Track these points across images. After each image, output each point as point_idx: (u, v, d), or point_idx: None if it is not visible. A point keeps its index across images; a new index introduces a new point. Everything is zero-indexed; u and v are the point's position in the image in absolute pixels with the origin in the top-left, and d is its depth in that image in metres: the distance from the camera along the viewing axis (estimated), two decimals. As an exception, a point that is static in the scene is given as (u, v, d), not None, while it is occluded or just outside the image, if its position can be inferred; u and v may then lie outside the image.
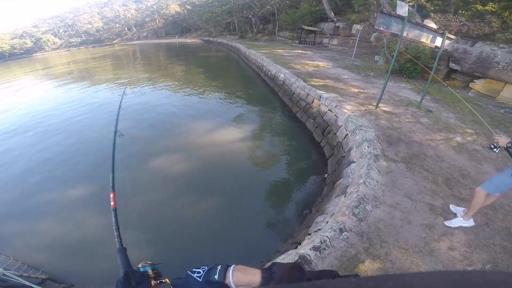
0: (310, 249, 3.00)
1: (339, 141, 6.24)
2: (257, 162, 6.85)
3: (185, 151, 7.47)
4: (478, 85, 8.79)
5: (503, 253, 2.95)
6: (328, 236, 3.13)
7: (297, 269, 0.67)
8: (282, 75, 11.42)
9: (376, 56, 13.76)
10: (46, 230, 5.11)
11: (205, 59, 25.17)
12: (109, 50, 38.29)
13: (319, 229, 3.54)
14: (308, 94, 8.67)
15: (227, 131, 8.67)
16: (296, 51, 17.88)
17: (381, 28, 5.72)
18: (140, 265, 0.75)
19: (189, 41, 44.18)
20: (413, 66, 10.07)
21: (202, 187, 5.93)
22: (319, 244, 3.04)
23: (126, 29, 70.37)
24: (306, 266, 2.95)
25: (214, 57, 27.29)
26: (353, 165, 4.84)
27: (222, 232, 4.71)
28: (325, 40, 22.51)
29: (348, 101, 7.30)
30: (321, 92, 8.00)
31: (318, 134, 7.46)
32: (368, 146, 4.86)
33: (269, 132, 8.58)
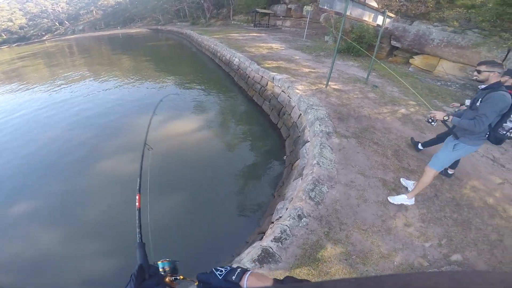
0: (272, 240, 2.84)
1: (294, 122, 6.10)
2: (218, 151, 6.47)
3: (137, 148, 6.63)
4: (417, 60, 9.33)
5: (455, 226, 3.04)
6: (288, 225, 2.98)
7: (306, 286, 0.66)
8: (236, 59, 10.93)
9: (326, 36, 13.90)
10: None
11: (154, 48, 23.31)
12: (38, 47, 33.21)
13: (280, 217, 3.37)
14: (262, 76, 8.38)
15: (183, 121, 8.04)
16: (251, 34, 17.35)
17: (325, 7, 5.57)
18: (160, 261, 0.78)
19: (134, 31, 40.41)
20: (359, 45, 10.29)
21: (160, 184, 5.32)
22: (279, 234, 2.89)
23: (57, 23, 60.85)
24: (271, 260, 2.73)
25: (164, 45, 25.41)
26: (307, 144, 4.72)
27: (189, 228, 4.36)
28: (279, 22, 22.25)
29: (300, 81, 7.17)
30: (274, 73, 7.77)
31: (275, 116, 7.28)
32: (320, 125, 4.76)
33: (227, 118, 8.21)
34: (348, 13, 5.51)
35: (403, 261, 2.65)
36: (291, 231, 2.92)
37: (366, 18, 6.59)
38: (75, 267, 3.98)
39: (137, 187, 1.08)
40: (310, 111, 5.35)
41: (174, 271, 0.80)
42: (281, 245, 2.79)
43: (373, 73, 8.16)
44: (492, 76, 2.30)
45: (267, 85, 8.02)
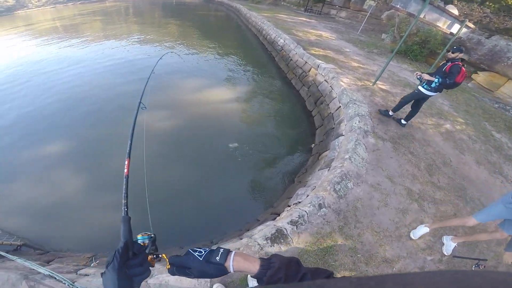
0: (288, 223, 2.98)
1: (330, 113, 6.10)
2: (246, 125, 6.69)
3: (174, 108, 7.11)
4: (481, 77, 8.70)
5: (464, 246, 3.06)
6: (307, 211, 3.11)
7: (295, 263, 0.70)
8: (281, 40, 10.85)
9: (383, 34, 13.22)
10: (25, 193, 4.76)
11: (202, 17, 23.58)
12: (99, 6, 35.19)
13: (299, 202, 3.52)
14: (306, 62, 8.31)
15: (219, 91, 8.36)
16: (300, 18, 16.92)
17: (398, 6, 5.38)
18: (139, 235, 0.74)
19: (187, -1, 41.04)
20: (419, 49, 9.79)
21: (188, 147, 5.73)
22: (297, 218, 3.02)
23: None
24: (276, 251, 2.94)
25: (212, 16, 25.60)
26: (341, 138, 4.76)
27: (204, 197, 4.60)
28: (333, 12, 21.32)
29: (346, 74, 7.04)
30: (320, 61, 7.67)
31: (311, 103, 7.29)
32: (359, 121, 4.75)
33: (261, 95, 8.32)
34: (421, 16, 5.28)
35: (402, 268, 2.78)
36: (308, 217, 3.07)
37: (440, 24, 6.28)
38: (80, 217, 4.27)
39: (127, 151, 0.99)
40: (351, 106, 5.32)
41: (153, 246, 0.75)
42: (295, 229, 2.93)
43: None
44: None
45: (309, 71, 7.96)
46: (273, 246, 2.70)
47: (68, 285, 2.15)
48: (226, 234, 3.99)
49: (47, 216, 4.32)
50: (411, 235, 3.09)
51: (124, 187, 0.86)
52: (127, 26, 19.93)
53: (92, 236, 4.00)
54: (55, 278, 2.21)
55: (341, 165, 3.75)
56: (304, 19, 16.74)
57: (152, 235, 0.77)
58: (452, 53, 3.93)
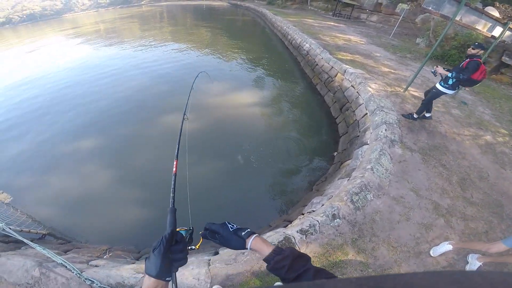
0: (297, 231, 2.90)
1: (356, 120, 5.88)
2: (269, 129, 6.73)
3: (201, 109, 7.44)
4: (531, 84, 7.90)
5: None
6: (319, 221, 3.00)
7: (304, 259, 0.77)
8: (307, 45, 10.74)
9: (418, 39, 12.56)
10: (57, 185, 5.22)
11: (230, 22, 24.35)
12: (136, 10, 38.51)
13: (313, 211, 3.41)
14: (332, 67, 8.13)
15: (243, 95, 8.56)
16: (328, 23, 16.65)
17: (430, 8, 5.10)
18: (178, 229, 0.82)
19: (217, 4, 42.77)
20: (458, 53, 9.15)
21: (213, 151, 5.90)
22: (307, 227, 2.93)
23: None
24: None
25: (239, 21, 26.23)
26: (365, 147, 4.56)
27: (222, 199, 4.68)
28: (363, 16, 20.70)
29: (375, 79, 6.76)
30: (347, 66, 7.46)
31: (336, 110, 7.10)
32: (385, 130, 4.52)
33: (285, 100, 8.33)
34: (457, 18, 4.94)
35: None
36: (319, 227, 2.94)
37: (479, 26, 5.84)
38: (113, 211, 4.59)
39: (175, 153, 1.12)
40: (378, 113, 5.09)
41: (190, 238, 0.85)
42: (304, 238, 2.82)
43: (467, 89, 7.22)
44: None
45: (335, 76, 7.77)
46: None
47: (76, 274, 2.31)
48: None
49: (73, 208, 4.69)
50: (431, 252, 2.85)
51: (172, 183, 0.97)
52: (161, 31, 21.35)
53: (111, 230, 4.26)
54: (66, 267, 2.36)
55: (361, 175, 3.58)
56: (332, 23, 16.46)
57: (191, 228, 0.87)
58: (473, 49, 3.82)
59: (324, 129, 6.84)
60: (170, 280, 0.72)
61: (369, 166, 3.67)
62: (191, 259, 2.71)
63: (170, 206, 0.86)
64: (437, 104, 5.94)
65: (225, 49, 13.93)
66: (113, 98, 8.52)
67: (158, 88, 9.08)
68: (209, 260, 2.64)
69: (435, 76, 4.47)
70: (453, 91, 4.35)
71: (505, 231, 3.13)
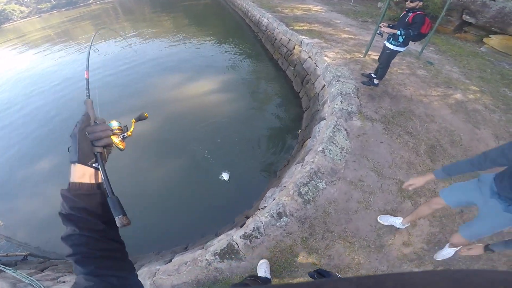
0: (241, 236, 2.49)
1: (316, 93, 5.30)
2: (232, 113, 6.13)
3: (157, 106, 6.88)
4: (494, 40, 7.57)
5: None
6: (263, 222, 2.53)
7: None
8: (265, 20, 9.92)
9: (379, 3, 12.04)
10: (31, 205, 5.00)
11: (191, 7, 22.93)
12: (85, 10, 35.82)
13: (265, 207, 2.89)
14: (289, 39, 7.41)
15: (204, 80, 7.92)
16: (289, -6, 15.77)
17: None
18: (111, 121, 0.75)
19: (173, -11, 40.83)
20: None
21: (170, 142, 5.45)
22: (251, 231, 2.49)
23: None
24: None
25: (200, 5, 24.79)
26: (322, 122, 3.97)
27: (183, 197, 4.28)
28: (327, -16, 19.99)
29: (333, 47, 6.13)
30: (303, 37, 6.77)
31: (297, 84, 6.48)
32: (341, 101, 3.92)
33: (247, 81, 7.65)
34: None
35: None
36: (264, 229, 2.48)
37: None
38: None
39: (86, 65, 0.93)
40: (335, 84, 4.47)
41: (122, 131, 0.75)
42: (249, 243, 2.41)
43: (431, 48, 6.77)
44: None
45: (294, 49, 7.08)
46: (223, 262, 2.37)
47: None
48: (192, 243, 3.51)
49: (51, 225, 4.33)
50: (379, 218, 2.54)
51: (86, 86, 0.84)
52: (120, 26, 19.68)
53: None
54: (33, 286, 2.65)
55: (312, 159, 2.99)
56: (293, -5, 15.59)
57: (123, 125, 0.78)
58: (411, 2, 3.62)
59: (289, 105, 6.22)
60: (98, 168, 0.63)
61: (320, 148, 3.07)
62: (143, 269, 2.67)
63: (85, 98, 0.75)
64: (401, 66, 5.43)
65: (186, 37, 12.90)
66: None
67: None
68: (157, 270, 2.55)
69: (382, 37, 4.16)
70: (405, 48, 4.01)
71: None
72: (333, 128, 3.33)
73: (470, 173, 1.67)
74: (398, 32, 3.76)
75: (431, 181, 2.09)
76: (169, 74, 8.69)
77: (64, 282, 2.92)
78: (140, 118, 0.86)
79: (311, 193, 2.68)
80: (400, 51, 4.10)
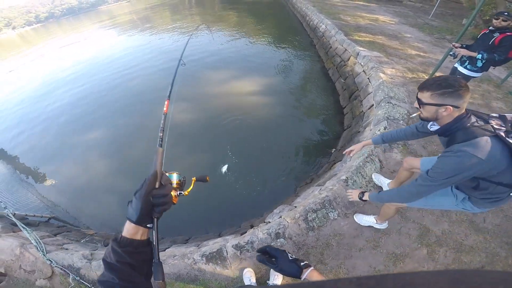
0: (233, 246, 2.44)
1: (362, 111, 4.81)
2: (269, 117, 6.06)
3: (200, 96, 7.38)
4: None
5: None
6: (258, 238, 2.43)
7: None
8: (323, 26, 9.48)
9: (464, 19, 10.59)
10: (68, 174, 5.55)
11: (255, 4, 23.67)
12: None
13: (269, 222, 2.76)
14: (345, 49, 6.92)
15: (249, 79, 8.05)
16: (356, 2, 14.86)
17: None
18: (170, 173, 0.76)
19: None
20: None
21: (207, 136, 5.70)
22: (244, 243, 2.43)
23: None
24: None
25: (263, 3, 25.42)
26: (358, 148, 3.51)
27: (211, 191, 4.29)
28: (403, -5, 18.44)
29: (394, 64, 5.50)
30: (361, 48, 6.23)
31: (344, 98, 6.00)
32: (385, 128, 3.43)
33: (294, 86, 7.42)
34: None
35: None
36: (258, 245, 2.39)
37: None
38: None
39: (168, 93, 1.07)
40: (384, 105, 3.96)
41: (181, 186, 0.78)
42: (238, 254, 2.41)
43: None
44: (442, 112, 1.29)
45: (348, 60, 6.57)
46: (208, 264, 2.41)
47: (41, 254, 2.78)
48: (194, 237, 3.66)
49: (80, 195, 4.97)
50: (354, 217, 2.46)
51: (162, 122, 0.90)
52: (191, 17, 21.93)
53: (106, 217, 4.48)
54: (37, 247, 2.85)
55: (331, 187, 2.65)
56: (361, 3, 14.66)
57: (183, 177, 0.80)
58: (503, 20, 3.02)
59: (330, 120, 5.79)
60: (151, 228, 0.66)
61: (344, 177, 2.72)
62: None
63: (157, 145, 0.79)
64: (473, 94, 4.60)
65: (245, 34, 13.31)
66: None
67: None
68: None
69: (454, 58, 3.53)
70: (482, 73, 3.45)
71: (509, 266, 2.24)
72: (366, 157, 2.89)
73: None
74: (479, 56, 3.17)
75: (367, 145, 2.09)
76: (218, 70, 8.95)
77: (66, 249, 3.11)
78: (201, 180, 0.88)
79: (318, 221, 2.45)
80: (475, 77, 3.50)
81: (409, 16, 11.44)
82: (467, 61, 3.38)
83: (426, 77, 4.96)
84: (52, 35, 33.10)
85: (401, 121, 3.56)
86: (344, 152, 2.04)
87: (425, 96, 1.28)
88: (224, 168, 4.57)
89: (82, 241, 3.70)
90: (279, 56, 9.70)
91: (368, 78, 5.21)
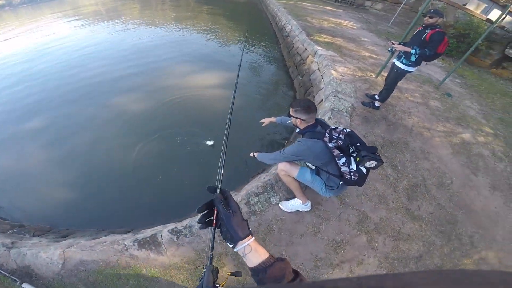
0: (169, 230, 2.39)
1: (314, 107, 5.08)
2: (225, 111, 5.86)
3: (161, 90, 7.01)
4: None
5: None
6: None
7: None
8: (289, 27, 9.86)
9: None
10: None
11: (230, 4, 23.63)
12: None
13: None
14: (305, 49, 7.27)
15: (210, 73, 7.97)
16: (325, 7, 15.61)
17: None
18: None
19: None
20: (457, 43, 8.25)
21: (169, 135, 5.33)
22: (182, 228, 2.40)
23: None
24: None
25: (239, 3, 25.55)
26: (304, 138, 3.75)
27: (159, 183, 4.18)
28: (368, 3, 19.58)
29: (347, 63, 5.91)
30: (319, 48, 6.61)
31: (300, 95, 6.32)
32: (329, 118, 3.70)
33: (254, 83, 7.51)
34: None
35: None
36: (197, 230, 2.39)
37: (471, 7, 5.08)
38: None
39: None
40: (331, 98, 4.26)
41: (217, 277, 0.83)
42: (175, 240, 2.37)
43: (457, 80, 6.35)
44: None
45: (307, 59, 6.93)
46: (140, 250, 2.35)
47: None
48: (136, 229, 3.39)
49: (8, 185, 4.49)
50: (280, 205, 2.59)
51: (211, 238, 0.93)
52: (163, 12, 20.91)
53: (39, 208, 4.12)
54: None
55: (274, 171, 2.83)
56: (330, 8, 15.44)
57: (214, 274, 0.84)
58: (430, 17, 3.39)
59: (285, 115, 6.01)
60: None
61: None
62: (68, 240, 2.83)
63: (208, 264, 0.84)
64: (414, 94, 5.10)
65: (217, 29, 13.26)
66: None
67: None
68: (77, 243, 2.58)
69: (392, 55, 4.00)
70: (416, 68, 3.81)
71: (445, 256, 2.35)
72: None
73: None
74: (412, 51, 3.54)
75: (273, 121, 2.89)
76: (181, 63, 8.82)
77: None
78: (235, 275, 0.93)
79: (260, 205, 2.54)
80: (410, 71, 3.89)
81: (371, 23, 12.23)
82: (403, 56, 3.75)
83: (373, 76, 5.42)
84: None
85: (345, 113, 3.87)
86: (260, 122, 2.69)
87: (291, 111, 2.03)
88: (210, 142, 4.79)
89: (8, 232, 3.46)
90: (244, 54, 9.86)
91: (321, 75, 5.55)
